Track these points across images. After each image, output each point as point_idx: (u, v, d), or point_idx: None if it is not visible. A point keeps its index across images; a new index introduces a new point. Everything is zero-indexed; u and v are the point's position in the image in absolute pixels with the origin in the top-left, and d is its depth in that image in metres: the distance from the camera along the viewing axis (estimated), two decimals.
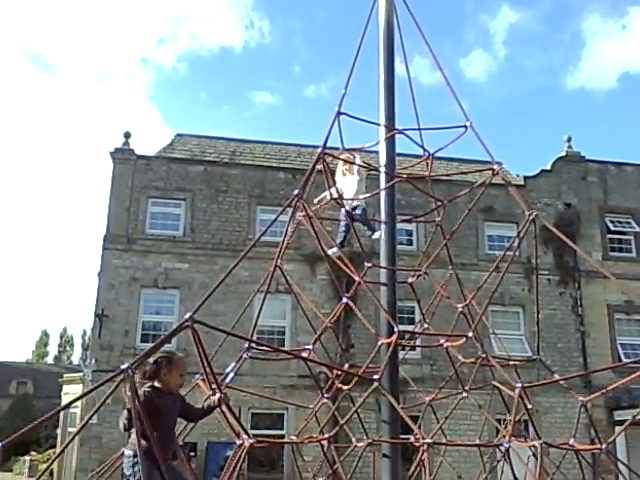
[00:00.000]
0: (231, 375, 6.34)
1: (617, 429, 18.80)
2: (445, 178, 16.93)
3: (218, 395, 5.20)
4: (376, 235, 7.77)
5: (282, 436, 17.78)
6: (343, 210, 8.05)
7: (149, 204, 21.30)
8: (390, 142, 7.30)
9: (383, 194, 7.24)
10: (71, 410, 20.85)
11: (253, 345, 6.77)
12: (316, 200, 8.03)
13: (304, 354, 7.07)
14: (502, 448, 5.71)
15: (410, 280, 8.50)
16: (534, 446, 5.83)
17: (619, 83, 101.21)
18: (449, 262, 8.38)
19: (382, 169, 7.27)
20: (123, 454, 5.56)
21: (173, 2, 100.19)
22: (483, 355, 7.22)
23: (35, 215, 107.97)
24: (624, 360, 19.66)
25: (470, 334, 6.97)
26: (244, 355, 6.86)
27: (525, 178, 23.82)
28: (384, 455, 6.26)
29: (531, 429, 7.06)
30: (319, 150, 7.00)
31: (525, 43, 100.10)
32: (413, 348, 18.74)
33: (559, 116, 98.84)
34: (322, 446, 6.95)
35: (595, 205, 23.71)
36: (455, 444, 9.37)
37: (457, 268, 8.77)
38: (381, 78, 7.46)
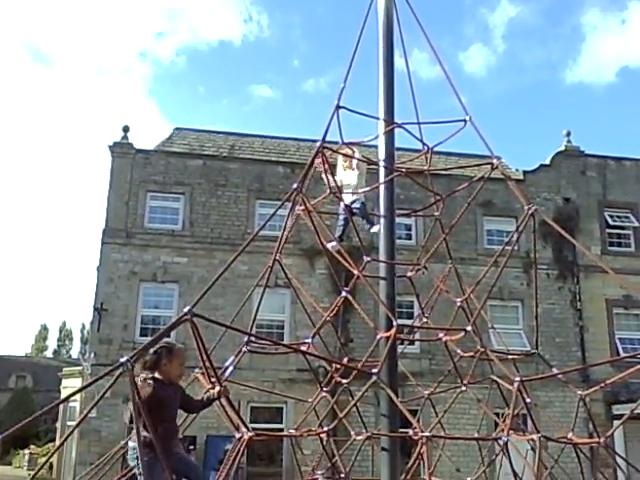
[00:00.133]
0: (230, 369, 6.35)
1: (615, 423, 18.84)
2: (444, 172, 16.92)
3: (218, 388, 5.22)
4: (375, 229, 7.77)
5: (281, 430, 17.81)
6: (342, 204, 8.05)
7: (148, 198, 21.28)
8: (389, 136, 7.29)
9: (382, 188, 7.23)
10: (70, 404, 20.90)
11: (252, 339, 6.78)
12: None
13: (303, 348, 7.08)
14: (501, 442, 5.73)
15: (409, 274, 8.50)
16: (532, 440, 5.85)
17: (618, 77, 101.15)
18: (448, 256, 8.39)
19: (381, 163, 7.26)
20: (127, 445, 5.57)
21: None
22: (482, 349, 7.23)
23: (34, 209, 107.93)
24: (623, 355, 19.69)
25: (469, 328, 6.99)
26: (243, 349, 6.88)
27: (524, 173, 23.81)
28: (383, 449, 6.28)
29: (529, 423, 7.08)
30: (318, 144, 7.00)
31: (524, 37, 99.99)
32: (412, 342, 18.75)
33: (558, 110, 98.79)
34: (321, 440, 6.96)
35: (594, 200, 23.71)
36: (454, 437, 9.39)
37: (456, 262, 8.78)
38: (380, 72, 7.45)
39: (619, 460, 9.20)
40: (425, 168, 8.16)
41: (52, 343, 70.37)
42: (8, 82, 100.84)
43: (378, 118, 7.34)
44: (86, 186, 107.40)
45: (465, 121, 7.32)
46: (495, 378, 7.63)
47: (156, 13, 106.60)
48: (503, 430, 6.01)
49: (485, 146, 7.16)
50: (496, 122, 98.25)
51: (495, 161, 7.22)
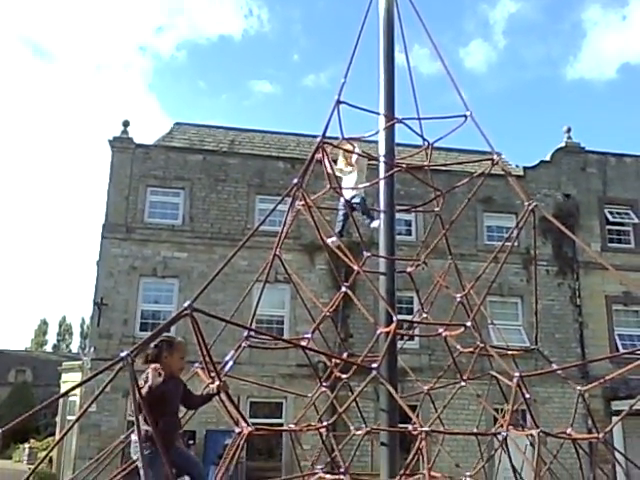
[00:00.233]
0: (230, 363, 6.37)
1: (614, 419, 18.86)
2: (444, 168, 16.91)
3: (217, 383, 5.22)
4: (375, 224, 7.77)
5: (281, 425, 17.83)
6: (342, 199, 8.05)
7: (148, 193, 21.27)
8: (389, 131, 7.30)
9: (382, 183, 7.24)
10: (70, 398, 20.93)
11: (252, 334, 6.79)
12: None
13: (303, 343, 7.10)
14: (500, 437, 5.74)
15: (409, 270, 8.51)
16: (532, 435, 5.86)
17: (619, 74, 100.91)
18: (448, 252, 8.39)
19: (381, 159, 7.27)
20: (130, 439, 5.58)
21: None
22: (481, 345, 7.24)
23: (34, 204, 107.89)
24: (622, 351, 19.71)
25: (468, 324, 7.00)
26: (243, 344, 6.89)
27: (524, 169, 23.79)
28: (382, 443, 6.30)
29: (529, 418, 7.09)
30: (318, 139, 6.99)
31: (525, 33, 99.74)
32: (411, 338, 18.78)
33: (559, 107, 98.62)
34: (321, 434, 6.98)
35: (594, 196, 23.70)
36: (453, 432, 9.41)
37: (456, 258, 8.79)
38: (381, 67, 7.45)
39: (618, 456, 9.20)
40: (425, 164, 8.16)
41: (52, 337, 70.46)
42: (8, 77, 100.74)
43: (378, 113, 7.34)
44: (86, 181, 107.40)
45: (466, 117, 7.33)
46: (494, 374, 7.64)
47: (156, 7, 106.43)
48: (502, 425, 6.03)
49: (485, 142, 7.17)
50: (496, 118, 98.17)
51: (495, 157, 7.23)
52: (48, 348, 67.71)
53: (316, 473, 6.93)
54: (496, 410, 8.57)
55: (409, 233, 21.99)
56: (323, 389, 7.69)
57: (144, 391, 4.81)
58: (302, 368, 17.23)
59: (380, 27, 7.59)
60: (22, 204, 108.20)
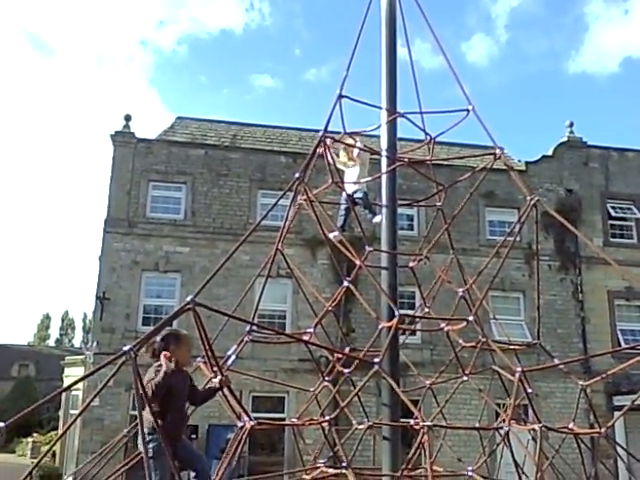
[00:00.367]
0: (232, 358, 6.37)
1: (616, 414, 18.88)
2: (446, 163, 16.89)
3: (219, 377, 5.23)
4: (377, 219, 7.76)
5: (283, 419, 17.88)
6: (344, 194, 8.04)
7: (150, 187, 21.28)
8: (391, 126, 7.27)
9: (384, 178, 7.22)
10: (73, 392, 21.01)
11: (254, 328, 6.79)
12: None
13: (305, 338, 7.10)
14: (502, 432, 5.74)
15: (411, 265, 8.50)
16: (534, 430, 5.86)
17: (621, 68, 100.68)
18: (450, 247, 8.38)
19: (383, 153, 7.25)
20: (126, 435, 5.60)
21: None
22: (483, 340, 7.24)
23: (36, 199, 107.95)
24: (624, 346, 19.70)
25: (471, 318, 6.99)
26: (245, 338, 6.89)
27: (526, 163, 23.76)
28: (384, 438, 6.30)
29: (531, 413, 7.10)
30: (320, 134, 6.98)
31: (527, 27, 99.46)
32: (413, 333, 18.81)
33: (561, 101, 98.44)
34: (323, 429, 6.99)
35: (596, 191, 23.66)
36: (455, 427, 9.42)
37: (458, 253, 8.77)
38: (383, 61, 7.42)
39: (620, 451, 9.22)
40: (427, 158, 8.15)
41: (54, 332, 70.69)
42: (9, 71, 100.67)
43: (380, 107, 7.32)
44: (88, 175, 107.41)
45: (468, 111, 7.30)
46: (496, 368, 7.64)
47: (157, 1, 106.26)
48: (504, 420, 6.03)
49: (488, 136, 7.14)
50: (498, 113, 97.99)
51: (498, 151, 7.21)
52: (51, 342, 67.97)
53: (318, 467, 6.95)
54: (498, 405, 8.56)
55: (411, 228, 21.99)
56: (325, 384, 7.69)
57: (157, 379, 4.84)
58: (304, 363, 17.27)
59: (382, 21, 7.56)
60: (24, 199, 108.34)
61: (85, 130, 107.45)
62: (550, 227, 21.59)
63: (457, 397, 9.75)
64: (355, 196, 8.10)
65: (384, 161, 7.24)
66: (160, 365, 5.08)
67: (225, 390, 5.31)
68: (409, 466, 6.99)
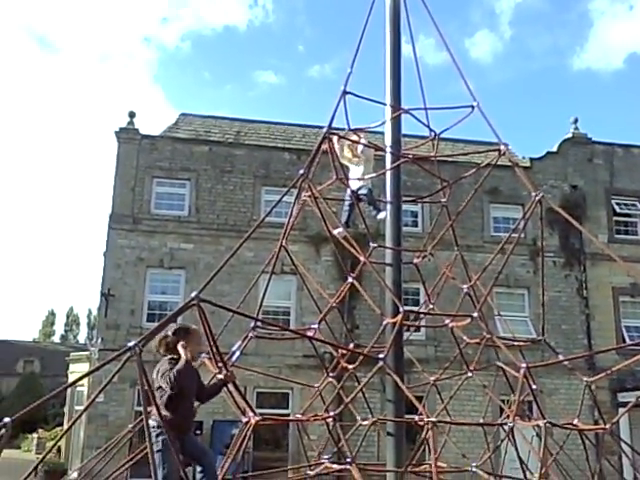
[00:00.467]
0: (237, 354, 6.39)
1: (621, 410, 18.86)
2: (451, 159, 16.86)
3: (224, 373, 5.26)
4: (381, 215, 7.76)
5: (287, 415, 17.90)
6: (348, 190, 8.04)
7: (154, 184, 21.29)
8: (396, 122, 7.28)
9: (389, 174, 7.23)
10: (78, 388, 21.05)
11: (259, 324, 6.80)
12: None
13: (309, 334, 7.11)
14: (506, 428, 5.75)
15: (415, 261, 8.51)
16: (538, 426, 5.86)
17: (626, 64, 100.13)
18: (454, 243, 8.38)
19: (388, 149, 7.25)
20: (130, 431, 5.62)
21: None
22: (488, 336, 7.24)
23: (41, 195, 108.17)
24: (629, 342, 19.67)
25: (475, 314, 6.99)
26: (250, 334, 6.91)
27: (531, 160, 23.69)
28: (389, 434, 6.31)
29: (535, 409, 7.10)
30: (324, 130, 6.98)
31: (531, 23, 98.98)
32: (418, 329, 18.79)
33: (565, 97, 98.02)
34: (327, 424, 7.00)
35: (601, 187, 23.58)
36: (459, 423, 9.43)
37: (462, 250, 8.77)
38: (387, 57, 7.41)
39: (624, 447, 9.19)
40: (432, 154, 8.14)
41: (59, 328, 70.85)
42: (14, 69, 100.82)
43: (385, 104, 7.31)
44: (92, 172, 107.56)
45: (473, 107, 7.29)
46: (501, 365, 7.64)
47: None
48: (509, 416, 6.03)
49: (492, 132, 7.13)
50: (502, 109, 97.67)
51: (502, 148, 7.20)
52: (56, 339, 68.14)
53: (322, 463, 6.96)
54: (502, 401, 8.57)
55: (415, 224, 21.96)
56: (329, 380, 7.71)
57: (179, 367, 4.91)
58: (308, 359, 17.28)
59: (386, 17, 7.55)
60: (30, 196, 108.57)
61: (89, 127, 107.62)
62: (555, 223, 21.55)
63: (461, 393, 9.75)
64: (360, 192, 8.09)
65: (388, 157, 7.24)
66: (172, 358, 5.13)
67: (230, 386, 5.33)
68: (413, 462, 7.01)
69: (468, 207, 9.40)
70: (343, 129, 7.60)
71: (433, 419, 5.40)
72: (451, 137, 21.04)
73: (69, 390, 20.96)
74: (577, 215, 21.20)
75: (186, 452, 5.10)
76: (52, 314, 70.78)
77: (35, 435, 32.52)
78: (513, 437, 5.93)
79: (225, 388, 5.44)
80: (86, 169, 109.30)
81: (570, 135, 24.12)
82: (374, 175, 8.02)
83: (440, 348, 20.07)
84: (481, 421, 9.17)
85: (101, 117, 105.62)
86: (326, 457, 7.14)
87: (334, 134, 7.31)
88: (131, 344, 4.17)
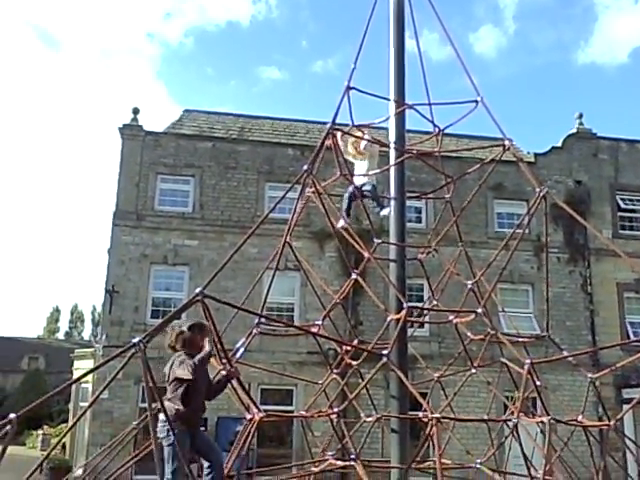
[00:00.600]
0: (241, 350, 6.39)
1: (625, 407, 18.83)
2: (455, 155, 16.84)
3: (228, 369, 5.26)
4: (385, 212, 7.74)
5: (291, 411, 17.92)
6: (351, 186, 8.02)
7: (158, 180, 21.28)
8: (400, 118, 7.25)
9: (393, 170, 7.20)
10: (82, 385, 21.10)
11: (263, 320, 6.80)
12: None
13: (313, 330, 7.10)
14: (510, 424, 5.74)
15: (419, 257, 8.49)
16: (542, 422, 5.85)
17: (631, 58, 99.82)
18: (458, 239, 8.36)
19: (392, 145, 7.23)
20: (135, 428, 5.63)
21: None
22: (492, 332, 7.22)
23: (45, 192, 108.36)
24: (633, 339, 19.62)
25: (479, 310, 6.97)
26: (254, 331, 6.91)
27: (535, 155, 23.62)
28: (392, 430, 6.30)
29: (539, 406, 7.09)
30: (328, 126, 6.97)
31: (535, 18, 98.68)
32: (422, 325, 18.78)
33: (570, 92, 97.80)
34: (331, 421, 7.00)
35: (606, 182, 23.51)
36: (464, 419, 9.41)
37: (466, 246, 8.75)
38: (391, 53, 7.38)
39: (629, 443, 9.20)
40: (436, 150, 8.12)
41: (64, 325, 71.06)
42: (18, 65, 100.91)
43: (389, 99, 7.29)
44: (96, 168, 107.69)
45: (477, 102, 7.26)
46: (505, 361, 7.63)
47: None
48: (513, 413, 6.02)
49: (497, 127, 7.11)
50: (506, 104, 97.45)
51: (507, 143, 7.17)
52: (60, 336, 68.33)
53: (327, 459, 6.96)
54: (506, 397, 8.56)
55: (419, 220, 21.93)
56: (333, 376, 7.71)
57: (202, 355, 4.95)
58: (312, 355, 17.28)
59: (390, 12, 7.52)
60: (34, 193, 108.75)
61: (93, 123, 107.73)
62: (559, 219, 21.48)
63: (465, 390, 9.73)
64: (364, 189, 8.07)
65: (392, 153, 7.22)
66: (188, 353, 5.15)
67: (234, 382, 5.34)
68: (417, 458, 7.00)
69: (472, 203, 9.38)
70: (347, 125, 7.58)
71: (437, 415, 5.39)
72: (455, 132, 20.98)
73: (74, 387, 21.01)
74: (581, 211, 21.13)
75: (195, 447, 5.12)
76: (57, 311, 71.02)
77: (40, 432, 32.61)
78: (517, 433, 5.91)
79: (230, 385, 5.44)
80: (90, 166, 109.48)
81: (575, 130, 24.04)
82: (378, 171, 7.99)
83: (444, 344, 20.05)
84: (485, 417, 9.14)
85: (104, 113, 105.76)
86: (330, 453, 7.14)
87: (338, 130, 7.29)
88: (135, 340, 4.17)
